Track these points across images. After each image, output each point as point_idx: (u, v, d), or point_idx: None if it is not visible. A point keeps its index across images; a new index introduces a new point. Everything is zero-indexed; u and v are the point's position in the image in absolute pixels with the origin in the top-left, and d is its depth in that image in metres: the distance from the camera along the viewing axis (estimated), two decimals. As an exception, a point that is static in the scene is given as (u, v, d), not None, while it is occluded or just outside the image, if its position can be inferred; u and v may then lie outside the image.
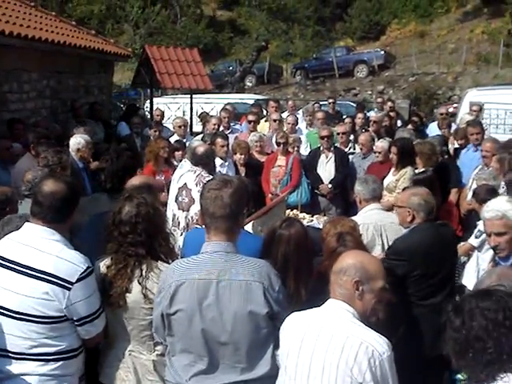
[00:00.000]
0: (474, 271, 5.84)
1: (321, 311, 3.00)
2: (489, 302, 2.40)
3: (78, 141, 7.62)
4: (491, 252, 4.84)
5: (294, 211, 7.59)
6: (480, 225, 5.49)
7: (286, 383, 2.97)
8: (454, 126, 11.62)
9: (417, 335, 4.57)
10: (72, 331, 3.45)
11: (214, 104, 18.34)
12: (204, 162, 6.34)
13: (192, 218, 6.14)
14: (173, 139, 9.71)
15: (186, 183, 6.26)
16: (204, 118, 12.37)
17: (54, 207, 3.40)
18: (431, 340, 4.46)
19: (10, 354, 3.34)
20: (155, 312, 3.35)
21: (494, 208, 4.24)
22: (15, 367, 3.34)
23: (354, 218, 5.41)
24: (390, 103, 13.51)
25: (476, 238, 5.90)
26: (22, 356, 3.34)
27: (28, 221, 3.50)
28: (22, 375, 3.33)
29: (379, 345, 2.78)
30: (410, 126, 11.02)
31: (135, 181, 4.66)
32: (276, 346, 3.19)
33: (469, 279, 5.83)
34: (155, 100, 16.39)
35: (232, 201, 3.19)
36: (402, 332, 4.23)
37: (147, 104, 16.42)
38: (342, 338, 2.81)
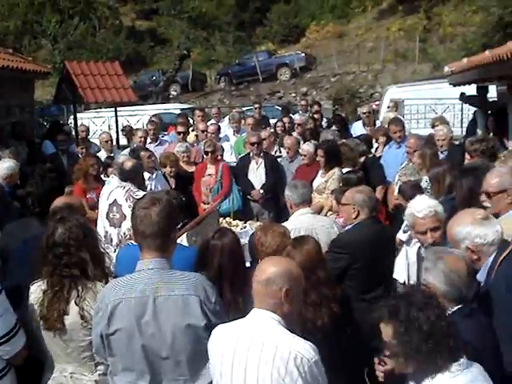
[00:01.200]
0: (404, 265, 6.05)
1: (248, 322, 3.04)
2: (419, 301, 2.79)
3: (6, 165, 7.46)
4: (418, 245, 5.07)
5: (227, 219, 7.65)
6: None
7: None
8: (378, 124, 11.93)
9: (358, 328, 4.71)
10: None
11: (139, 116, 18.26)
12: (132, 176, 6.33)
13: (124, 233, 6.11)
14: (101, 155, 9.64)
15: (115, 199, 6.24)
16: (128, 131, 12.25)
17: None
18: (371, 333, 4.62)
19: None
20: (94, 333, 3.35)
21: (425, 206, 4.45)
22: None
23: (285, 223, 5.54)
24: (316, 106, 13.66)
25: (404, 232, 6.09)
26: None
27: None
28: None
29: (306, 351, 2.88)
30: (333, 127, 11.24)
31: (57, 202, 4.67)
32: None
33: (399, 273, 6.04)
34: (79, 115, 16.14)
35: (160, 218, 3.23)
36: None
37: (71, 120, 16.16)
38: (271, 349, 2.89)
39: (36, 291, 3.59)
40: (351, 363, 3.90)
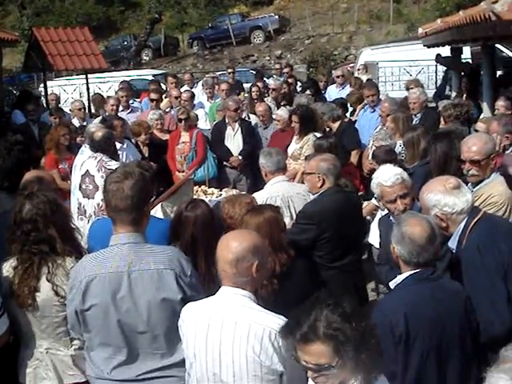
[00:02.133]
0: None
1: (219, 300, 3.00)
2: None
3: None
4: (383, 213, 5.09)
5: (203, 187, 7.61)
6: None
7: (198, 375, 3.00)
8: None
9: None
10: None
11: (111, 83, 17.98)
12: (103, 147, 6.22)
13: (99, 204, 6.03)
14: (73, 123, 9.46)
15: (88, 170, 6.14)
16: (98, 100, 12.01)
17: None
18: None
19: None
20: (69, 309, 3.33)
21: (392, 174, 4.43)
22: None
23: (261, 191, 5.52)
24: (287, 69, 13.54)
25: (378, 197, 6.10)
26: None
27: None
28: None
29: (279, 326, 2.82)
30: (308, 92, 11.16)
31: (28, 176, 4.64)
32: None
33: (374, 237, 6.05)
34: (49, 83, 15.84)
35: (133, 192, 3.18)
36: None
37: (41, 88, 15.87)
38: (245, 327, 2.87)
39: (6, 268, 3.55)
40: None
